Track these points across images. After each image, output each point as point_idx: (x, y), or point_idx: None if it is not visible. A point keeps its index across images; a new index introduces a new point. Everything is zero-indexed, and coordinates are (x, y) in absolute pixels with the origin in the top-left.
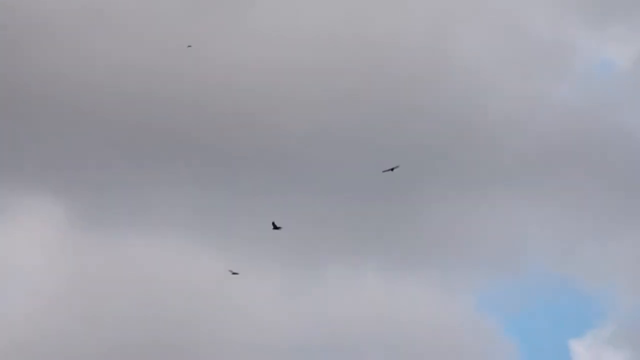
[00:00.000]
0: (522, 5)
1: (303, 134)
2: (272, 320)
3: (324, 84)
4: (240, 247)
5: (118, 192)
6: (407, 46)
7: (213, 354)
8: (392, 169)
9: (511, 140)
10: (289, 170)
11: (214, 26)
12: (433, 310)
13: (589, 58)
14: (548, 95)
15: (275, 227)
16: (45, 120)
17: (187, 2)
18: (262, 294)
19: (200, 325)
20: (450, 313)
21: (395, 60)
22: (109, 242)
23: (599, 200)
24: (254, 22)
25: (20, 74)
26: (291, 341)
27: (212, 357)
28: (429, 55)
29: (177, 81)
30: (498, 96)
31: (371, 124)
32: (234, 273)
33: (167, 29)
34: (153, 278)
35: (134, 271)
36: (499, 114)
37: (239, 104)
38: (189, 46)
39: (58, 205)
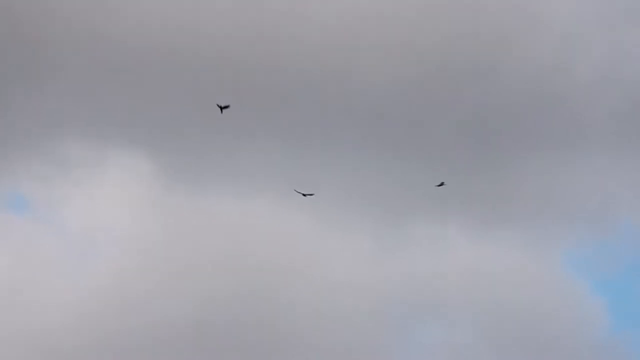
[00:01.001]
0: None
1: (388, 91)
2: (358, 279)
3: (414, 42)
4: (326, 205)
5: (207, 147)
6: (496, 6)
7: (300, 308)
8: (441, 184)
9: (601, 98)
10: (374, 128)
11: None
12: (520, 269)
13: None
14: (637, 52)
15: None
16: (135, 75)
17: None
18: (348, 253)
19: (288, 280)
20: (537, 271)
21: (484, 20)
22: (198, 197)
23: None
24: None
25: (115, 26)
26: (377, 301)
27: (299, 308)
28: (518, 14)
29: (272, 42)
30: (588, 54)
31: (459, 82)
32: (305, 194)
33: None
34: (242, 232)
35: (223, 225)
36: (589, 71)
37: (330, 61)
38: None
39: (147, 160)
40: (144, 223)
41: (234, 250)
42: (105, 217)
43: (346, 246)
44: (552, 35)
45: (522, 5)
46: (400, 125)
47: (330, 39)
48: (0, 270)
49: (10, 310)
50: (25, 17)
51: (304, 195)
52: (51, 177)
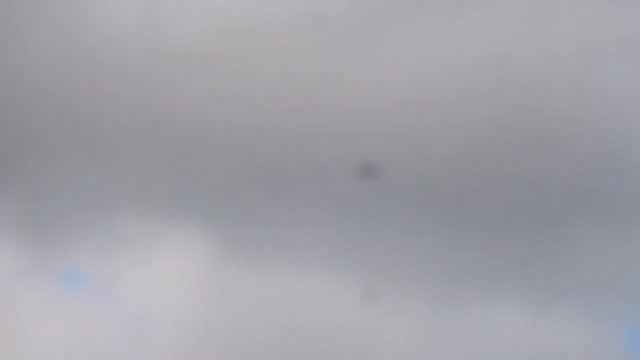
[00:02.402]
0: None
1: (443, 164)
2: (410, 351)
3: (470, 111)
4: (379, 275)
5: (262, 226)
6: (554, 76)
7: None
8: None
9: None
10: (429, 198)
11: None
12: (580, 347)
13: None
14: None
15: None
16: (192, 153)
17: None
18: (401, 323)
19: (342, 354)
20: (598, 350)
21: (540, 92)
22: (256, 271)
23: None
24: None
25: (162, 99)
26: None
27: None
28: (577, 87)
29: (324, 113)
30: None
31: (517, 157)
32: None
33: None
34: (295, 311)
35: (277, 305)
36: None
37: (377, 134)
38: None
39: (202, 238)
40: (202, 300)
41: (293, 327)
42: (162, 294)
43: (398, 317)
44: (615, 110)
45: (577, 76)
46: (459, 195)
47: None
48: (56, 349)
49: None
50: (79, 93)
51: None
52: (107, 254)
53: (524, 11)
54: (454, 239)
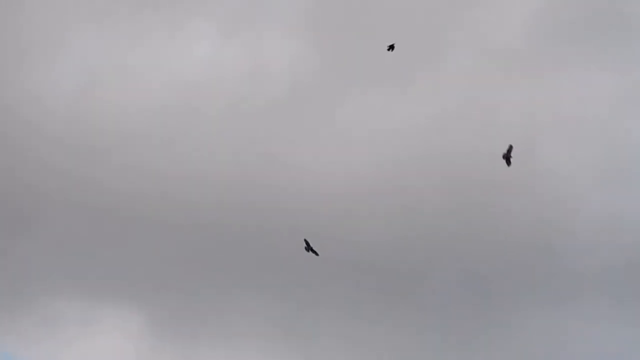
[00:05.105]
0: (617, 113)
1: (380, 242)
2: None
3: (401, 193)
4: (316, 348)
5: (195, 302)
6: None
7: None
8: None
9: (598, 253)
10: (360, 278)
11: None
12: None
13: None
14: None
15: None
16: (116, 230)
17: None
18: None
19: None
20: None
21: (478, 167)
22: (187, 350)
23: None
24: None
25: (104, 180)
26: None
27: None
28: (517, 159)
29: (248, 187)
30: (587, 205)
31: (453, 233)
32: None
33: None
34: None
35: None
36: (587, 224)
37: (317, 210)
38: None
39: (135, 315)
40: None
41: None
42: None
43: None
44: (552, 187)
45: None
46: (393, 276)
47: (326, 191)
48: None
49: None
50: (10, 171)
51: (309, 250)
52: (40, 335)
53: (469, 83)
54: (388, 322)
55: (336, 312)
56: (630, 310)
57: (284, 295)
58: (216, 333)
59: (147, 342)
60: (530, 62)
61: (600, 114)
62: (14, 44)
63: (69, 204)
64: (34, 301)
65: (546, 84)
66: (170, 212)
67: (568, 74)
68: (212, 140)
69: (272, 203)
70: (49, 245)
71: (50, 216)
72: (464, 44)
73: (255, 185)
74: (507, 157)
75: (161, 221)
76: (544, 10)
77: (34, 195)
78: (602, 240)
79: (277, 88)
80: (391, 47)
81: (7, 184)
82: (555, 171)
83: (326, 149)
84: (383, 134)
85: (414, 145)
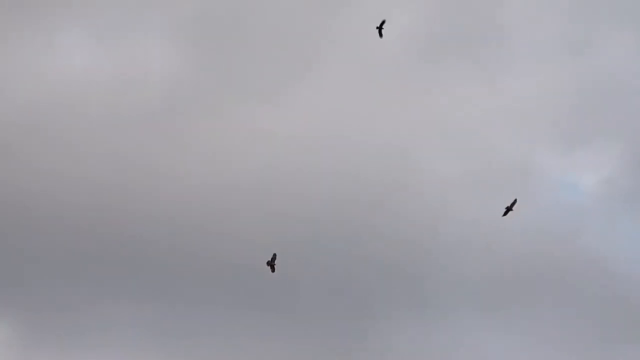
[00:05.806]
0: (484, 127)
1: (255, 250)
2: None
3: (275, 201)
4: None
5: (72, 311)
6: (367, 164)
7: None
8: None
9: (466, 266)
10: (227, 287)
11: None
12: None
13: (552, 182)
14: (508, 219)
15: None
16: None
17: None
18: None
19: None
20: None
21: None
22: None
23: (561, 330)
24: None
25: None
26: None
27: None
28: (386, 175)
29: (120, 195)
30: (456, 219)
31: (327, 249)
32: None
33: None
34: None
35: None
36: (456, 237)
37: (204, 221)
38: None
39: (7, 325)
40: None
41: None
42: None
43: None
44: (423, 198)
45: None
46: (270, 288)
47: (198, 200)
48: None
49: None
50: None
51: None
52: None
53: (346, 98)
54: (271, 329)
55: (209, 320)
56: (500, 321)
57: (155, 302)
58: (93, 343)
59: (20, 352)
60: (405, 77)
61: (471, 126)
62: None
63: None
64: None
65: (420, 99)
66: (38, 219)
67: (440, 86)
68: (85, 150)
69: (139, 211)
70: None
71: None
72: (338, 58)
73: (126, 193)
74: (508, 209)
75: (31, 230)
76: (416, 25)
77: None
78: (469, 256)
79: (152, 98)
80: (381, 26)
81: None
82: (427, 181)
83: (201, 160)
84: (257, 146)
85: (289, 159)
